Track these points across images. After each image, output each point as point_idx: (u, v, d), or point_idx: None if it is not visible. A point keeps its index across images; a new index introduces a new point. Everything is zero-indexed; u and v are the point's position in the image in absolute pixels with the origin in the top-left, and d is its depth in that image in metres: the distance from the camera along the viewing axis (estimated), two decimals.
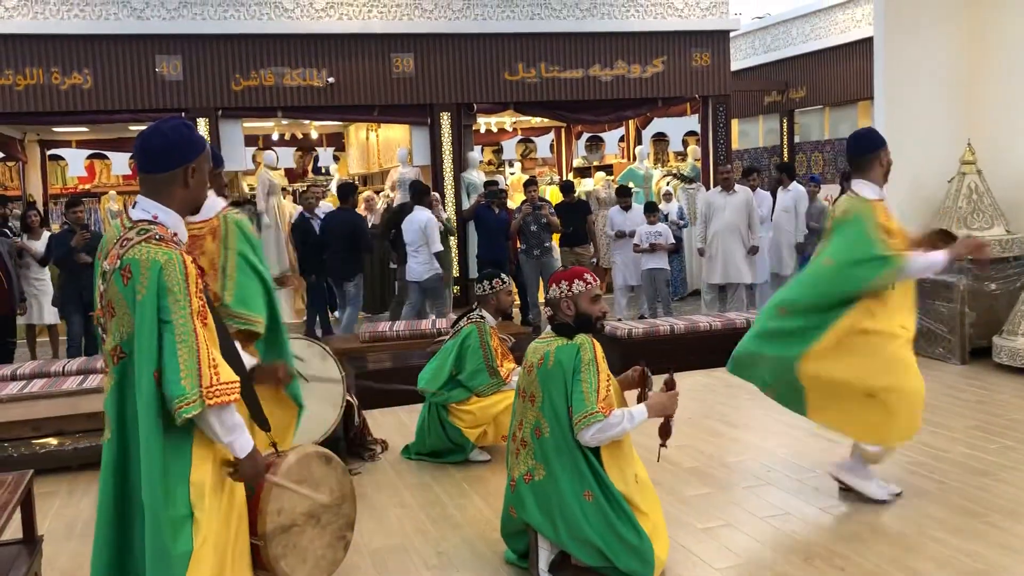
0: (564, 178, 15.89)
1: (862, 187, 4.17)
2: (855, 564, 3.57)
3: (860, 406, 3.99)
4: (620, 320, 9.28)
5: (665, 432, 3.61)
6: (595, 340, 3.48)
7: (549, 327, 3.61)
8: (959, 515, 4.00)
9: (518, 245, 10.24)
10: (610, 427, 3.32)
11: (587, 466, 3.37)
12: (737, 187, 9.58)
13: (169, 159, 2.37)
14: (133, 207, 2.39)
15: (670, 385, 3.61)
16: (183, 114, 10.94)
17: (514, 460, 3.55)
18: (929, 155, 7.21)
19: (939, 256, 4.04)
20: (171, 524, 2.23)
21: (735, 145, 16.48)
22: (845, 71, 14.70)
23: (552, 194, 14.07)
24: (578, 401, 3.33)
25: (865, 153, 4.21)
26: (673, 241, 10.07)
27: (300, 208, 10.47)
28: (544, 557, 3.48)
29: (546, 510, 3.39)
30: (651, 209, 9.95)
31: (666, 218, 10.83)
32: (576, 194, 11.00)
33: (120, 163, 16.23)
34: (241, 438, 2.34)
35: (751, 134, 18.32)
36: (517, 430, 3.56)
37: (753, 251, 9.37)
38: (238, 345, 2.63)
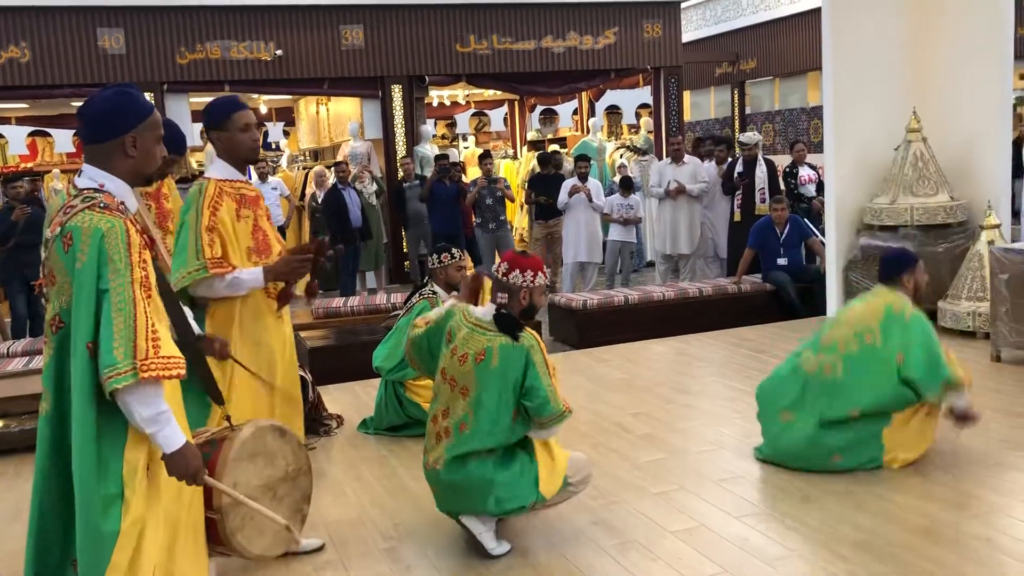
0: (516, 151, 15.86)
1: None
2: (805, 523, 3.65)
3: None
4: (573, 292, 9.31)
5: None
6: (536, 334, 3.46)
7: (486, 313, 3.45)
8: (904, 474, 4.10)
9: (473, 219, 10.22)
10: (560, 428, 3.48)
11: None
12: (687, 158, 9.66)
13: (108, 128, 2.30)
14: (79, 176, 2.33)
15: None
16: None
17: (433, 443, 3.47)
18: (876, 123, 7.32)
19: None
20: (102, 502, 2.17)
21: (687, 117, 16.56)
22: (794, 42, 14.84)
23: (506, 168, 14.05)
24: (544, 402, 3.34)
25: (899, 271, 4.25)
26: (640, 216, 10.14)
27: (333, 180, 10.47)
28: (488, 537, 3.49)
29: (454, 496, 3.46)
30: (627, 185, 9.96)
31: (612, 192, 10.79)
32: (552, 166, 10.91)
33: (63, 140, 15.81)
34: (166, 430, 2.20)
35: (703, 106, 18.44)
36: (441, 416, 3.45)
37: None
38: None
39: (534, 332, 3.47)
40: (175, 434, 2.23)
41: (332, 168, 11.37)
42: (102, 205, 2.22)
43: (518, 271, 3.39)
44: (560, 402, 3.39)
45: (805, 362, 4.27)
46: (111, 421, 2.20)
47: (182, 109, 11.23)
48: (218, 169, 3.39)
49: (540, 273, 3.43)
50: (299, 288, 3.57)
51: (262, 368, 3.38)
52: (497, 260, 3.60)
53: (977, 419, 4.15)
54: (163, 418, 2.19)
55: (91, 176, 2.31)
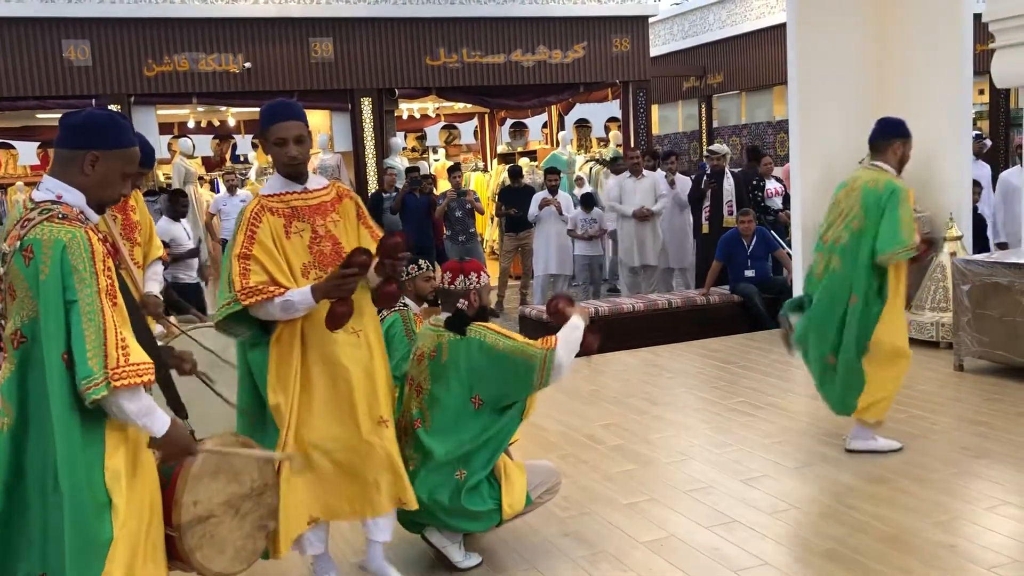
0: (487, 164, 15.91)
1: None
2: (774, 532, 3.68)
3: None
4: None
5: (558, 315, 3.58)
6: (484, 324, 3.44)
7: (440, 315, 3.50)
8: (871, 482, 4.16)
9: (443, 231, 10.23)
10: (565, 361, 3.31)
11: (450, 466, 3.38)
12: (645, 172, 9.74)
13: (75, 137, 2.29)
14: (37, 188, 2.31)
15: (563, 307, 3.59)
16: (93, 101, 10.57)
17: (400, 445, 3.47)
18: (841, 137, 7.41)
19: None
20: (95, 510, 2.17)
21: (655, 130, 16.70)
22: (760, 56, 15.03)
23: (477, 181, 14.08)
24: (526, 368, 3.27)
25: (891, 136, 4.48)
26: (607, 228, 10.15)
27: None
28: (454, 550, 3.48)
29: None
30: (588, 202, 9.95)
31: (575, 203, 10.71)
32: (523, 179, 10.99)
33: (27, 153, 15.60)
34: (153, 417, 2.26)
35: (671, 119, 18.60)
36: (401, 417, 3.50)
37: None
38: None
39: (483, 323, 3.43)
40: (162, 418, 2.29)
41: None
42: (61, 216, 2.20)
43: (461, 276, 3.48)
44: (536, 349, 3.29)
45: (816, 266, 4.61)
46: (90, 430, 2.19)
47: (149, 121, 11.12)
48: (269, 183, 3.19)
49: (482, 273, 3.53)
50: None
51: (339, 389, 3.13)
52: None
53: (933, 244, 4.56)
54: (150, 408, 2.25)
55: (49, 188, 2.29)
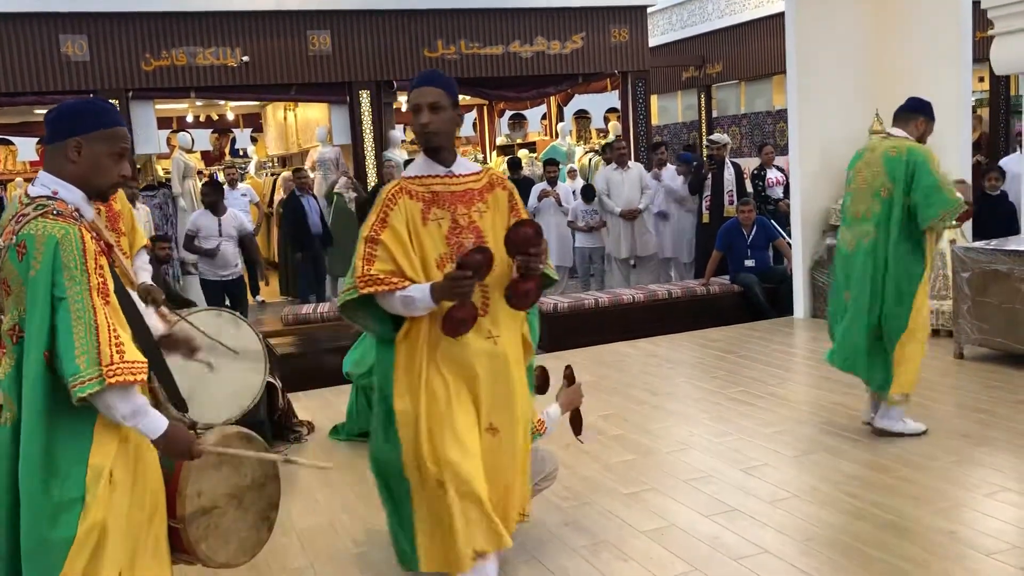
0: (486, 156, 15.89)
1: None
2: (775, 520, 3.69)
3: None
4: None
5: (577, 423, 3.79)
6: None
7: None
8: (871, 470, 4.17)
9: None
10: (543, 438, 3.48)
11: None
12: (630, 163, 9.75)
13: (55, 129, 2.30)
14: (33, 184, 2.32)
15: (571, 379, 3.74)
16: (91, 95, 10.56)
17: None
18: (839, 125, 7.42)
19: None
20: (52, 509, 2.14)
21: (655, 121, 16.67)
22: (759, 46, 14.98)
23: None
24: None
25: (917, 112, 4.55)
26: (606, 219, 10.14)
27: (292, 186, 10.32)
28: None
29: None
30: (587, 193, 9.92)
31: (574, 194, 10.71)
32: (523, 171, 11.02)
33: (26, 149, 15.60)
34: (146, 419, 2.23)
35: (671, 109, 18.56)
36: None
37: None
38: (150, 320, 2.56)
39: None
40: (157, 419, 2.25)
41: (292, 173, 11.26)
42: (55, 212, 2.21)
43: None
44: (530, 425, 3.35)
45: (842, 241, 4.62)
46: (75, 426, 2.18)
47: (148, 116, 11.12)
48: (413, 164, 2.93)
49: None
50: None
51: (465, 393, 2.87)
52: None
53: (969, 207, 4.47)
54: (143, 409, 2.22)
55: (44, 183, 2.30)
